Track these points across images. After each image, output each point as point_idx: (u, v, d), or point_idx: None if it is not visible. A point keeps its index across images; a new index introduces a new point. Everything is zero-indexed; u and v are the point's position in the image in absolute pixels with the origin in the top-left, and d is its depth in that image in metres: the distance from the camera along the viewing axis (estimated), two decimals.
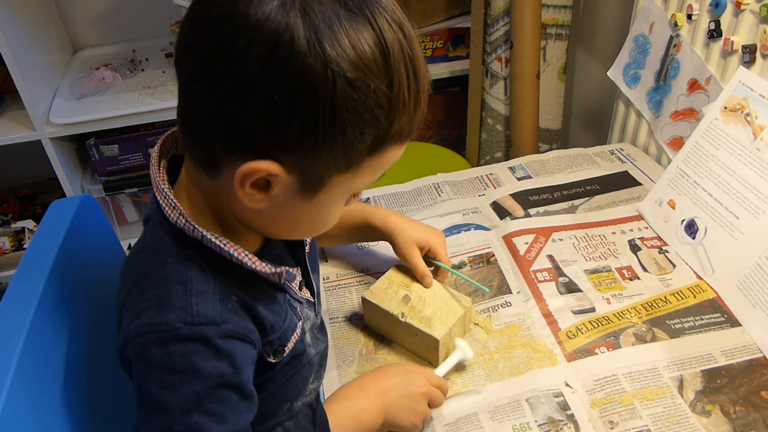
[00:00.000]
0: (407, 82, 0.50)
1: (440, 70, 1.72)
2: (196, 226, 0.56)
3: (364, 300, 0.83)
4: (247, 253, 0.58)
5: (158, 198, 0.58)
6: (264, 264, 0.59)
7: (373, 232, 0.87)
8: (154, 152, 0.60)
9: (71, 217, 0.72)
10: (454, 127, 1.87)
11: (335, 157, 0.52)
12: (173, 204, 0.56)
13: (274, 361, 0.64)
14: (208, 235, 0.56)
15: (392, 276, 0.84)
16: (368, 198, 1.10)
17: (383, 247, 0.97)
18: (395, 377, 0.71)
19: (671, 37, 1.01)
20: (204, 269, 0.57)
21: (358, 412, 0.68)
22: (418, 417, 0.70)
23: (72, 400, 0.63)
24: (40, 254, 0.66)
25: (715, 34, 0.91)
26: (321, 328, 0.78)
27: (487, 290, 0.86)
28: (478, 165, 1.60)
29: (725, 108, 0.87)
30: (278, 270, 0.60)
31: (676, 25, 0.98)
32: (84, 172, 1.78)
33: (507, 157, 1.50)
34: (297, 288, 0.68)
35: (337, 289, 0.91)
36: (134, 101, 1.59)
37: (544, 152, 1.39)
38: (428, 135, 1.91)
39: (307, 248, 0.73)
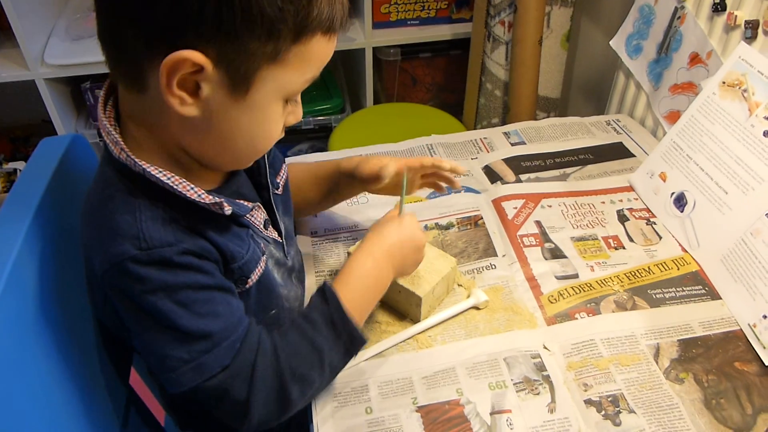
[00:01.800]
0: None
1: (442, 32, 1.70)
2: (137, 160, 0.56)
3: (349, 254, 0.83)
4: (190, 184, 0.58)
5: (103, 134, 0.58)
6: (203, 195, 0.59)
7: (345, 178, 0.84)
8: (101, 92, 0.61)
9: (60, 156, 0.72)
10: (454, 90, 1.85)
11: (259, 45, 0.51)
12: (115, 140, 0.57)
13: (237, 290, 0.65)
14: (149, 168, 0.56)
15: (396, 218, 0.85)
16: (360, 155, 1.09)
17: (373, 206, 0.97)
18: (397, 234, 0.73)
19: (676, 9, 0.99)
20: (152, 200, 0.58)
21: (372, 279, 0.70)
22: (417, 265, 0.76)
23: (56, 336, 0.63)
24: (26, 192, 0.66)
25: (719, 7, 0.90)
26: (299, 274, 0.79)
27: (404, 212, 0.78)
28: (475, 129, 1.60)
29: (723, 83, 0.86)
30: (218, 200, 0.60)
31: None
32: (79, 116, 1.76)
33: (504, 123, 1.49)
34: (261, 225, 0.69)
35: (324, 243, 0.91)
36: None
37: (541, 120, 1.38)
38: (427, 98, 1.89)
39: (278, 190, 0.75)
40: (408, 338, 0.78)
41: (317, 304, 0.66)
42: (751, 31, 0.85)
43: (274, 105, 0.58)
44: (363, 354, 0.75)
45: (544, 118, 1.47)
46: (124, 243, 0.55)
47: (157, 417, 0.86)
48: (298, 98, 0.63)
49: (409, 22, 1.71)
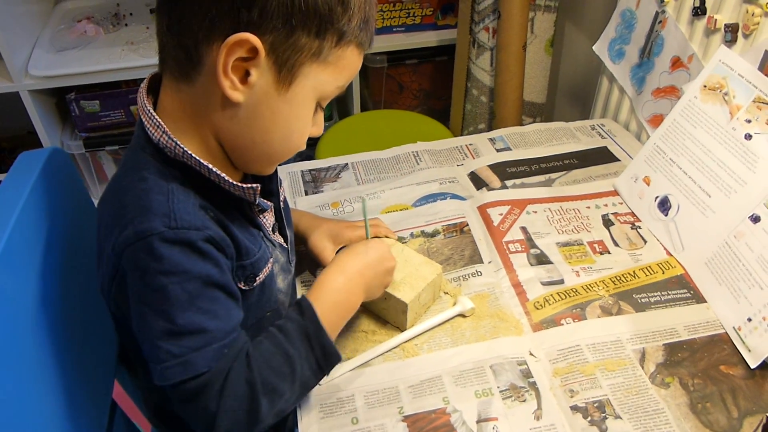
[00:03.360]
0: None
1: (428, 39, 1.70)
2: (179, 142, 0.60)
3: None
4: (224, 173, 0.62)
5: (143, 119, 0.61)
6: (239, 183, 0.63)
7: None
8: (143, 83, 0.64)
9: (39, 170, 0.71)
10: (441, 97, 1.85)
11: (308, 40, 0.57)
12: (157, 123, 0.60)
13: (244, 288, 0.67)
14: (189, 152, 0.60)
15: (365, 241, 0.85)
16: (346, 164, 1.09)
17: (359, 214, 0.97)
18: (370, 255, 0.73)
19: (657, 13, 1.00)
20: (184, 184, 0.61)
21: (343, 294, 0.70)
22: (384, 287, 0.76)
23: (36, 348, 0.63)
24: (4, 207, 0.65)
25: (699, 11, 0.91)
26: (293, 285, 0.80)
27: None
28: (461, 135, 1.60)
29: (704, 86, 0.87)
30: (253, 185, 0.64)
31: (662, 1, 0.98)
32: (64, 127, 1.75)
33: (490, 129, 1.49)
34: (270, 229, 0.73)
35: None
36: (116, 57, 1.56)
37: (527, 125, 1.39)
38: (414, 104, 1.90)
39: (281, 203, 0.77)
40: (394, 347, 0.77)
41: (292, 316, 0.66)
42: (731, 34, 0.86)
43: (309, 104, 0.62)
44: (349, 363, 0.75)
45: (530, 123, 1.48)
46: (155, 219, 0.57)
47: (142, 429, 0.85)
48: (322, 111, 0.67)
49: (395, 29, 1.72)
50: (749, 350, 0.73)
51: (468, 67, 1.49)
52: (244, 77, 0.58)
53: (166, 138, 0.60)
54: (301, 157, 1.88)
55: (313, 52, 0.58)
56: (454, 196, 1.00)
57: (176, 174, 0.61)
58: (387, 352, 0.77)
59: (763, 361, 0.72)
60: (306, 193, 1.04)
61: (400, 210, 0.98)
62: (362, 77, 1.78)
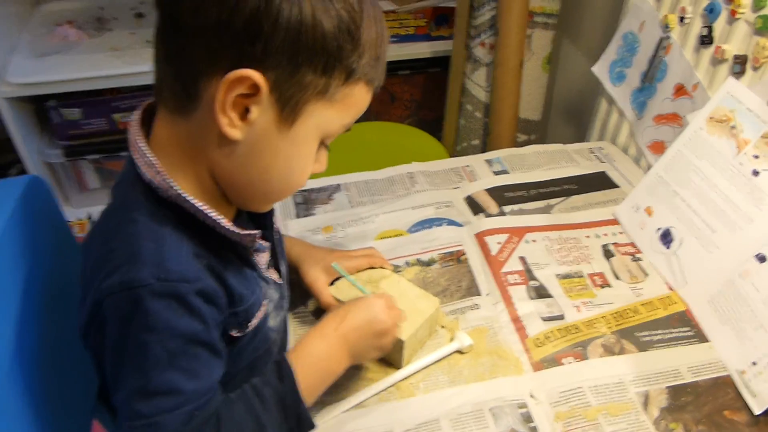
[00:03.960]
0: (374, 33, 0.56)
1: (421, 50, 1.67)
2: (172, 183, 0.56)
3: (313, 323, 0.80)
4: (221, 215, 0.59)
5: (134, 157, 0.58)
6: (236, 227, 0.60)
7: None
8: (136, 113, 0.60)
9: (16, 200, 0.67)
10: (432, 108, 1.83)
11: (314, 77, 0.54)
12: (150, 162, 0.56)
13: (236, 335, 0.64)
14: (184, 194, 0.56)
15: (361, 273, 0.82)
16: (339, 185, 1.06)
17: (353, 240, 0.94)
18: (356, 317, 0.68)
19: (661, 39, 0.98)
20: (177, 229, 0.57)
21: (322, 361, 0.66)
22: (382, 350, 0.71)
23: (12, 384, 0.59)
24: None
25: (706, 40, 0.89)
26: (285, 319, 0.77)
27: (366, 291, 0.78)
28: (454, 151, 1.57)
29: (711, 118, 0.84)
30: (252, 233, 0.61)
31: (667, 26, 0.95)
32: (42, 135, 1.69)
33: (484, 145, 1.47)
34: (264, 266, 0.69)
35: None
36: (100, 63, 1.50)
37: (522, 143, 1.37)
38: (405, 115, 1.87)
39: (275, 233, 0.73)
40: (389, 386, 0.74)
41: (271, 381, 0.62)
42: (740, 66, 0.83)
43: (312, 143, 0.59)
44: (342, 404, 0.71)
45: (524, 140, 1.46)
46: (144, 269, 0.53)
47: None
48: (326, 148, 0.63)
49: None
50: (753, 395, 0.71)
51: (463, 82, 1.46)
52: (244, 114, 0.54)
53: (160, 178, 0.56)
54: None
55: (319, 89, 0.55)
56: (451, 222, 0.97)
57: (169, 216, 0.57)
58: (382, 391, 0.74)
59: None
60: (297, 216, 1.00)
61: (395, 236, 0.95)
62: None
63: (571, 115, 1.52)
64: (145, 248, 0.55)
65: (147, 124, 0.60)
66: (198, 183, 0.59)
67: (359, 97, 0.58)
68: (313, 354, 0.66)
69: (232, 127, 0.54)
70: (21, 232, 0.66)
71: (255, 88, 0.52)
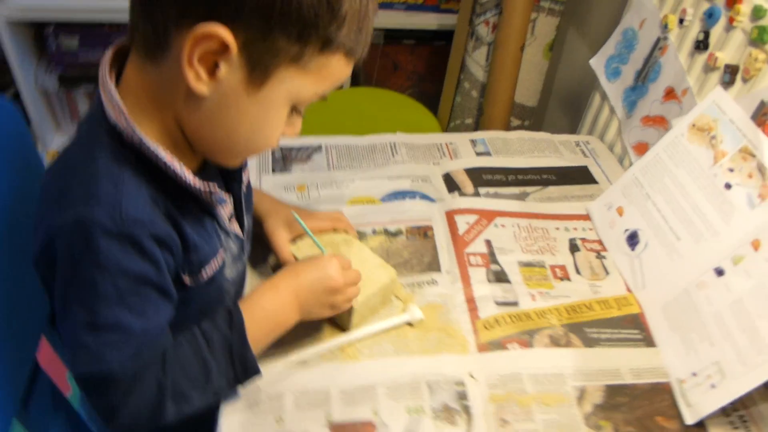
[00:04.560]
0: (357, 3, 0.54)
1: (428, 21, 1.64)
2: (136, 128, 0.55)
3: (272, 269, 0.81)
4: (182, 165, 0.58)
5: (102, 96, 0.57)
6: (196, 178, 0.60)
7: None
8: (108, 51, 0.59)
9: None
10: (434, 82, 1.80)
11: (287, 43, 0.52)
12: (117, 104, 0.56)
13: (188, 282, 0.65)
14: (147, 142, 0.56)
15: (323, 235, 0.82)
16: (320, 146, 1.05)
17: (324, 202, 0.94)
18: (308, 273, 0.69)
19: (659, 39, 0.96)
20: (137, 172, 0.57)
21: (272, 312, 0.67)
22: (333, 309, 0.71)
23: None
24: None
25: (702, 45, 0.87)
26: (243, 271, 0.78)
27: (324, 250, 0.77)
28: (448, 127, 1.56)
29: (693, 125, 0.84)
30: (209, 188, 0.61)
31: (666, 26, 0.94)
32: (39, 62, 1.67)
33: (476, 125, 1.46)
34: (226, 219, 0.69)
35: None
36: None
37: (515, 128, 1.36)
38: (407, 85, 1.85)
39: (243, 187, 0.73)
40: (334, 347, 0.75)
41: (221, 326, 0.63)
42: (730, 76, 0.82)
43: (281, 108, 0.58)
44: (285, 359, 0.72)
45: (517, 125, 1.44)
46: (100, 209, 0.54)
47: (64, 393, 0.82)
48: (302, 113, 0.63)
49: (395, 6, 1.66)
50: (688, 405, 0.72)
51: (463, 59, 1.44)
52: (213, 69, 0.53)
53: (125, 122, 0.55)
54: None
55: (292, 56, 0.54)
56: (424, 196, 0.97)
57: (131, 159, 0.57)
58: (326, 351, 0.75)
59: (700, 420, 0.71)
60: (273, 171, 1.00)
61: (367, 203, 0.95)
62: None
63: (568, 106, 1.50)
64: (103, 189, 0.55)
65: (120, 64, 0.60)
66: (163, 131, 0.59)
67: (336, 67, 0.57)
68: (263, 306, 0.66)
69: (198, 81, 0.53)
70: None
71: (224, 46, 0.51)
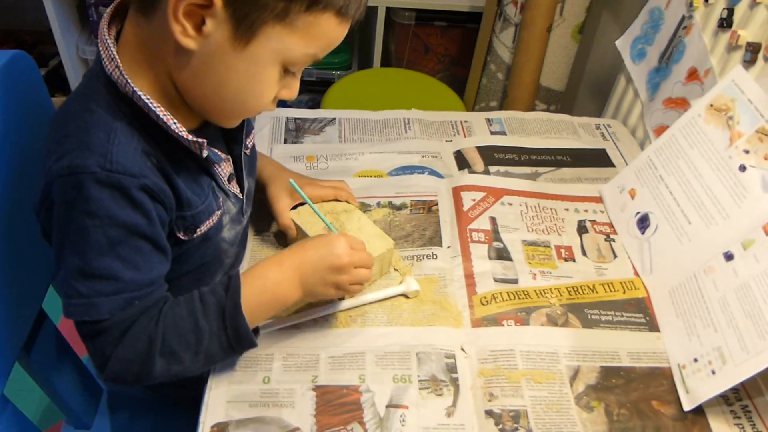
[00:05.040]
0: None
1: (460, 2, 1.62)
2: (129, 81, 0.57)
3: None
4: (174, 120, 0.59)
5: (100, 49, 0.58)
6: (187, 132, 0.60)
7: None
8: (109, 8, 0.60)
9: None
10: (465, 66, 1.78)
11: (272, 0, 0.52)
12: (112, 56, 0.57)
13: (183, 238, 0.66)
14: (139, 92, 0.57)
15: (324, 204, 0.82)
16: (334, 119, 1.05)
17: (332, 173, 0.94)
18: (314, 249, 0.67)
19: (683, 17, 0.92)
20: (131, 125, 0.58)
21: (273, 285, 0.65)
22: (338, 289, 0.68)
23: None
24: None
25: (725, 23, 0.83)
26: (244, 234, 0.78)
27: (335, 230, 0.77)
28: (473, 110, 1.54)
29: (711, 105, 0.80)
30: (200, 140, 0.61)
31: (691, 5, 0.90)
32: (82, 32, 1.73)
33: (501, 108, 1.43)
34: (225, 179, 0.69)
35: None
36: None
37: (540, 112, 1.32)
38: (438, 68, 1.83)
39: (247, 150, 0.74)
40: (328, 314, 0.75)
41: (217, 290, 0.63)
42: (751, 54, 0.79)
43: (270, 67, 0.58)
44: (278, 322, 0.73)
45: (543, 109, 1.41)
46: (91, 157, 0.55)
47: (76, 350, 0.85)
48: (298, 74, 0.62)
49: None
50: (687, 391, 0.69)
51: (490, 40, 1.42)
52: (200, 25, 0.54)
53: (118, 73, 0.57)
54: (313, 102, 1.84)
55: (277, 13, 0.54)
56: (433, 172, 0.96)
57: (125, 111, 0.58)
58: (319, 317, 0.75)
59: (698, 406, 0.68)
60: (285, 141, 1.01)
61: (374, 176, 0.95)
62: (389, 32, 1.72)
63: (597, 92, 1.46)
64: (96, 138, 0.56)
65: (123, 20, 0.61)
66: (158, 87, 0.60)
67: (327, 27, 0.56)
68: (264, 277, 0.66)
69: (185, 36, 0.54)
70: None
71: (208, 0, 0.52)
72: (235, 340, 0.63)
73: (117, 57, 0.57)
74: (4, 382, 0.68)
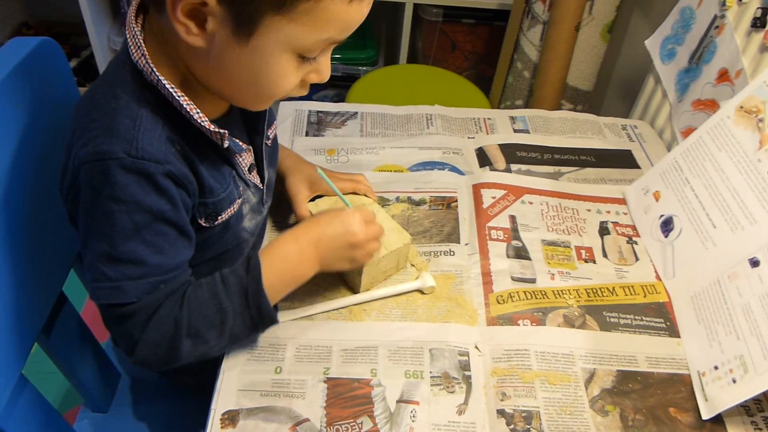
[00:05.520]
0: None
1: None
2: (154, 69, 0.57)
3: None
4: (197, 109, 0.59)
5: (127, 35, 0.59)
6: (207, 121, 0.60)
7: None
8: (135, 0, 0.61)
9: (22, 58, 0.70)
10: (493, 64, 1.76)
11: None
12: (139, 43, 0.58)
13: (205, 225, 0.67)
14: (164, 81, 0.58)
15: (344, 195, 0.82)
16: (356, 113, 1.05)
17: (351, 167, 0.94)
18: (330, 226, 0.68)
19: (715, 17, 0.90)
20: (156, 112, 0.59)
21: (293, 264, 0.67)
22: (354, 262, 0.70)
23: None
24: None
25: (759, 23, 0.81)
26: (263, 225, 0.79)
27: (350, 205, 0.77)
28: (497, 109, 1.52)
29: (741, 107, 0.78)
30: (222, 131, 0.62)
31: (724, 4, 0.88)
32: (114, 24, 1.76)
33: (526, 107, 1.42)
34: (246, 169, 0.70)
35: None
36: None
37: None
38: (464, 66, 1.82)
39: (268, 141, 0.75)
40: (342, 307, 0.75)
41: (238, 271, 0.64)
42: None
43: (281, 57, 0.57)
44: (292, 313, 0.73)
45: (570, 109, 1.39)
46: (117, 143, 0.56)
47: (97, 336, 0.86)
48: (326, 57, 0.61)
49: None
50: (706, 399, 0.68)
51: (517, 38, 1.40)
52: (204, 23, 0.54)
53: (144, 61, 0.57)
54: (339, 97, 1.85)
55: (273, 4, 0.52)
56: (454, 169, 0.95)
57: (150, 99, 0.59)
58: (333, 310, 0.75)
59: (717, 415, 0.66)
60: (307, 134, 1.01)
61: (394, 171, 0.95)
62: (416, 28, 1.71)
63: (627, 93, 1.43)
64: (122, 124, 0.57)
65: (148, 10, 0.61)
66: (180, 76, 0.61)
67: (335, 10, 0.54)
68: (283, 254, 0.66)
69: (190, 34, 0.54)
70: (25, 85, 0.69)
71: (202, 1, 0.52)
72: (258, 318, 0.64)
73: (143, 45, 0.57)
74: (23, 363, 0.70)
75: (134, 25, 0.59)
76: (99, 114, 0.58)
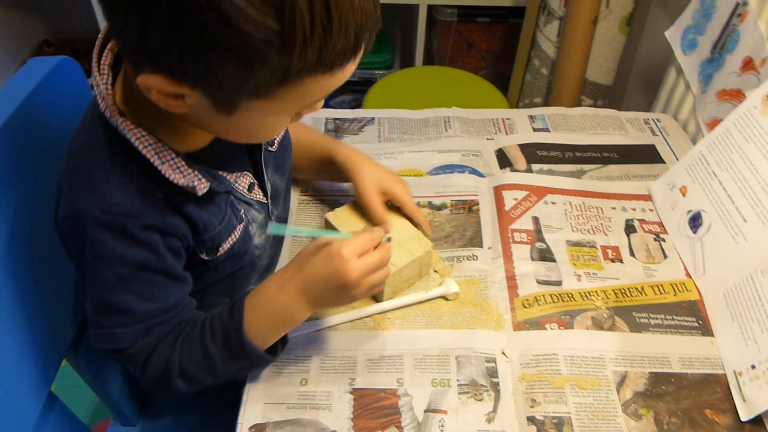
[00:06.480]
0: (309, 14, 0.43)
1: None
2: (119, 122, 0.54)
3: (326, 220, 0.81)
4: (171, 154, 0.56)
5: (92, 84, 0.57)
6: (181, 169, 0.57)
7: (336, 169, 0.81)
8: (99, 36, 0.57)
9: (41, 78, 0.71)
10: (509, 62, 1.74)
11: (236, 83, 0.47)
12: (105, 94, 0.55)
13: (207, 258, 0.66)
14: (131, 133, 0.54)
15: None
16: (373, 118, 1.05)
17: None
18: (316, 269, 0.61)
19: (737, 5, 0.87)
20: (129, 162, 0.56)
21: (281, 310, 0.62)
22: (354, 299, 0.64)
23: (11, 256, 0.64)
24: None
25: None
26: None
27: (349, 236, 0.64)
28: (516, 107, 1.51)
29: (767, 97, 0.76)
30: (194, 183, 0.57)
31: None
32: None
33: (545, 105, 1.40)
34: (245, 190, 0.68)
35: (308, 204, 0.88)
36: None
37: (587, 107, 1.29)
38: (481, 65, 1.80)
39: (272, 147, 0.72)
40: (365, 317, 0.75)
41: (223, 315, 0.63)
42: None
43: (271, 119, 0.56)
44: (315, 323, 0.73)
45: (590, 105, 1.37)
46: (91, 200, 0.55)
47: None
48: (319, 102, 0.57)
49: None
50: (744, 400, 0.66)
51: (534, 34, 1.38)
52: (183, 97, 0.50)
53: (109, 114, 0.54)
54: (356, 102, 1.84)
55: (249, 92, 0.49)
56: (474, 171, 0.94)
57: (123, 148, 0.55)
58: (357, 320, 0.74)
59: (757, 416, 0.64)
60: None
61: (414, 176, 0.94)
62: (431, 29, 1.70)
63: (647, 86, 1.40)
64: (96, 179, 0.55)
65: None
66: (159, 113, 0.54)
67: (314, 85, 0.49)
68: (267, 302, 0.62)
69: (167, 105, 0.51)
70: (45, 107, 0.70)
71: (178, 93, 0.49)
72: (246, 361, 0.63)
73: (110, 94, 0.54)
74: (52, 380, 0.70)
75: (97, 76, 0.55)
76: (76, 164, 0.58)
